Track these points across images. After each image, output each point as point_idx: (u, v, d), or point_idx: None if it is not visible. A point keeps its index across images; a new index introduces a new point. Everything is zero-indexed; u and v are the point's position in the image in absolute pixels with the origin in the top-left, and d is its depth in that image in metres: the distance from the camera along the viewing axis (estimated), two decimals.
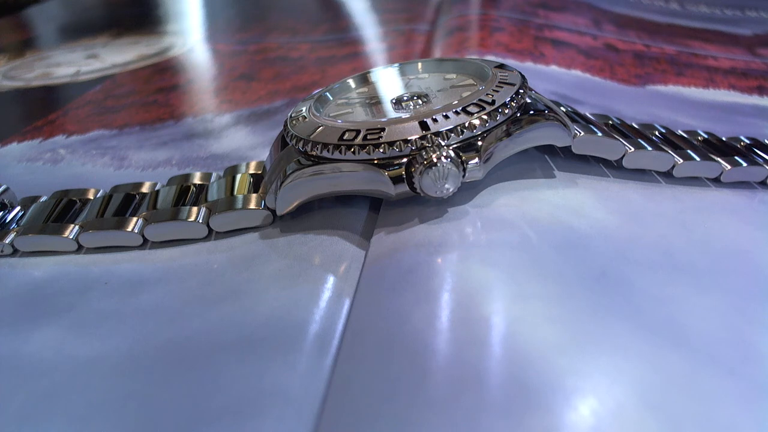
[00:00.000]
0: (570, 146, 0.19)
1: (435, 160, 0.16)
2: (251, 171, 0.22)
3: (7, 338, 0.16)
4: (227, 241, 0.20)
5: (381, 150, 0.17)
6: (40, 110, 0.36)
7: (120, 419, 0.13)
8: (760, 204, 0.20)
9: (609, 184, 0.20)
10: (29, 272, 0.19)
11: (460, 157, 0.17)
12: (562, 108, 0.21)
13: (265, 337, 0.15)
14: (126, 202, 0.21)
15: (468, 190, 0.19)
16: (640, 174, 0.21)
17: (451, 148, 0.17)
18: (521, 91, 0.19)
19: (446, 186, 0.17)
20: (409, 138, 0.17)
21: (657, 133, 0.23)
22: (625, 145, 0.20)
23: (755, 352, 0.13)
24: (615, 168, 0.21)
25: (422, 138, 0.17)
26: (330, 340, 0.15)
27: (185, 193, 0.21)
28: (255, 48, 0.46)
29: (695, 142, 0.22)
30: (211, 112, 0.34)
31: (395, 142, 0.17)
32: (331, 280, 0.17)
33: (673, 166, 0.20)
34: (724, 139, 0.23)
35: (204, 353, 0.15)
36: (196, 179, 0.22)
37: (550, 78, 0.33)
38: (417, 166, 0.17)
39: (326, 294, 0.16)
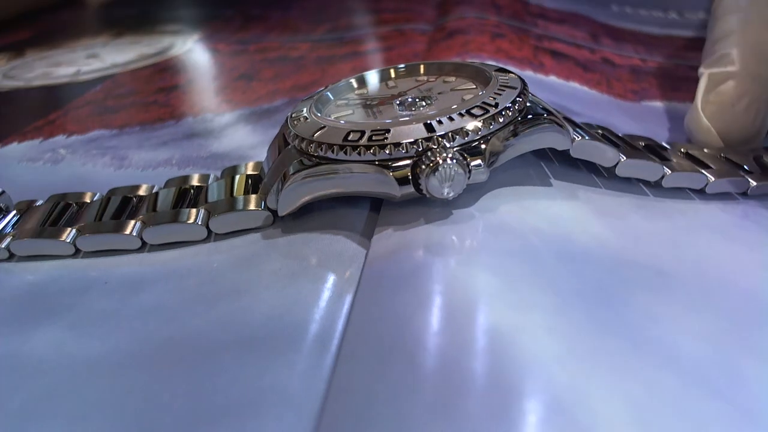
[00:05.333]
0: (568, 150, 0.19)
1: (441, 161, 0.16)
2: (250, 172, 0.22)
3: (7, 339, 0.16)
4: (227, 242, 0.20)
5: (387, 151, 0.17)
6: (40, 110, 0.36)
7: (120, 419, 0.13)
8: (743, 219, 0.20)
9: (604, 196, 0.20)
10: (26, 277, 0.19)
11: (465, 159, 0.17)
12: (559, 113, 0.21)
13: (265, 337, 0.15)
14: (123, 205, 0.21)
15: (469, 193, 0.19)
16: (628, 184, 0.21)
17: (455, 150, 0.17)
18: (522, 94, 0.19)
19: (452, 188, 0.17)
20: (414, 139, 0.17)
21: (641, 143, 0.23)
22: (620, 153, 0.20)
23: (742, 376, 0.13)
24: (605, 177, 0.21)
25: (428, 140, 0.17)
26: (330, 340, 0.15)
27: (184, 195, 0.21)
28: (255, 48, 0.46)
29: (679, 153, 0.22)
30: (212, 111, 0.34)
31: (401, 143, 0.17)
32: (331, 280, 0.17)
33: (662, 177, 0.20)
34: (705, 150, 0.23)
35: (204, 353, 0.15)
36: (195, 181, 0.22)
37: (550, 88, 0.33)
38: (423, 167, 0.17)
39: (326, 294, 0.16)
